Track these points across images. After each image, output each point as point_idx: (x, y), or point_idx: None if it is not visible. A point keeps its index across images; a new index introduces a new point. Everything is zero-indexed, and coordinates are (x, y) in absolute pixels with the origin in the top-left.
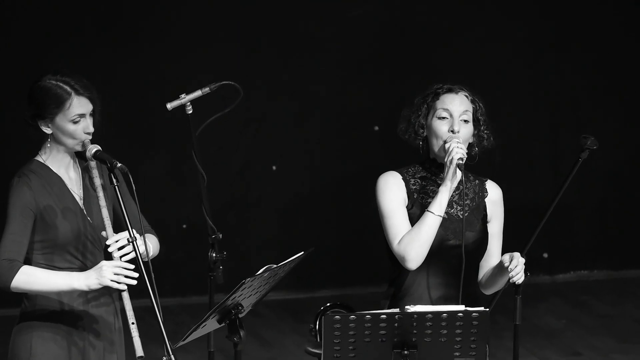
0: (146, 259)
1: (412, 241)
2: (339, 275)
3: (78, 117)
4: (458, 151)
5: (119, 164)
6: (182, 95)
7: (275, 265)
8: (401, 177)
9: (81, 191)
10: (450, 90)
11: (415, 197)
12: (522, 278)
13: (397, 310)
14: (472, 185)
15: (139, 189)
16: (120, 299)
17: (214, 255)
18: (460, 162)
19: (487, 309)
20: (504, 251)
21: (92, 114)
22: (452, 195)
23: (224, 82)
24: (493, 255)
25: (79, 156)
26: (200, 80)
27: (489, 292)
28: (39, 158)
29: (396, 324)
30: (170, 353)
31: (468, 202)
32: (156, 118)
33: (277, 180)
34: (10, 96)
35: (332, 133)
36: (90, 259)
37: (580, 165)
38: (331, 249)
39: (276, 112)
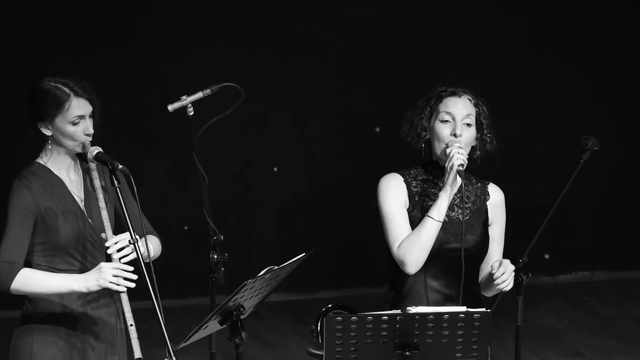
0: (147, 260)
1: (412, 246)
2: (340, 277)
3: (77, 118)
4: (459, 157)
5: (120, 166)
6: (183, 97)
7: (276, 267)
8: (403, 179)
9: (82, 193)
10: (453, 94)
11: (416, 199)
12: (510, 286)
13: (398, 311)
14: (473, 189)
15: (140, 191)
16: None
17: (215, 256)
18: (461, 168)
19: (489, 310)
20: (505, 252)
21: (92, 116)
22: (453, 198)
23: (225, 84)
24: (493, 258)
25: (80, 158)
26: (201, 81)
27: (488, 294)
28: (39, 160)
29: (398, 325)
30: (172, 355)
31: (469, 205)
32: (157, 119)
33: (278, 181)
34: (10, 96)
35: (333, 134)
36: (91, 261)
37: (581, 166)
38: (332, 250)
39: (277, 113)
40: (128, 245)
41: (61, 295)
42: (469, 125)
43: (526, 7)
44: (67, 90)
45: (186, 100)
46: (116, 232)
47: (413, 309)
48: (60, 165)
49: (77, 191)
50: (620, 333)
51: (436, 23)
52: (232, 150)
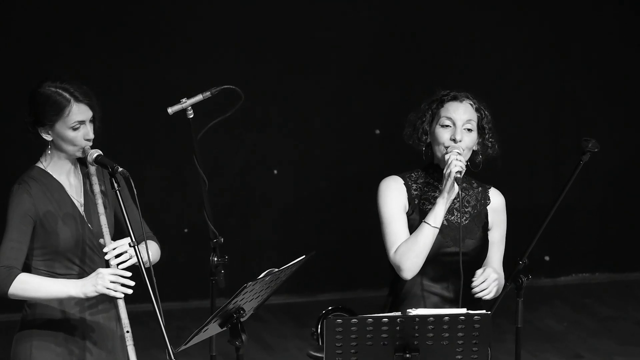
0: (147, 265)
1: (408, 251)
2: (340, 279)
3: (78, 124)
4: (457, 164)
5: (120, 169)
6: (183, 100)
7: (276, 269)
8: (403, 182)
9: (82, 197)
10: (455, 98)
11: (416, 202)
12: (491, 294)
13: (398, 313)
14: (474, 193)
15: (140, 193)
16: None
17: (215, 259)
18: (458, 175)
19: (489, 312)
20: (506, 254)
21: (92, 121)
22: (453, 202)
23: (225, 86)
24: (491, 262)
25: (81, 162)
26: (201, 84)
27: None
28: (39, 164)
29: (398, 328)
30: (173, 357)
31: (469, 209)
32: (157, 122)
33: (278, 183)
34: (10, 96)
35: (333, 136)
36: (90, 265)
37: (582, 168)
38: (332, 252)
39: (276, 115)
40: (126, 251)
41: (60, 301)
42: (469, 130)
43: (526, 8)
44: (67, 95)
45: (186, 102)
46: (116, 235)
47: (413, 311)
48: (60, 170)
49: (77, 196)
50: (621, 335)
51: (437, 26)
52: (232, 152)
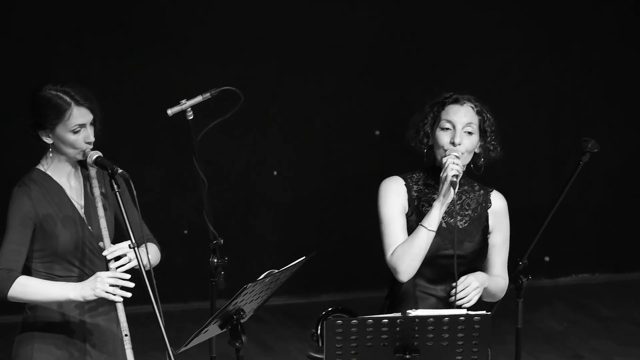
0: (147, 268)
1: (404, 254)
2: (340, 280)
3: (78, 127)
4: (453, 167)
5: (119, 170)
6: (183, 101)
7: (276, 270)
8: (404, 182)
9: (82, 200)
10: (456, 101)
11: (415, 204)
12: (472, 302)
13: (399, 314)
14: (475, 196)
15: (140, 195)
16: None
17: (215, 260)
18: (454, 179)
19: (489, 313)
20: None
21: (93, 123)
22: (453, 205)
23: (225, 87)
24: (494, 266)
25: (81, 165)
26: (201, 85)
27: (487, 300)
28: (40, 167)
29: (398, 329)
30: (173, 359)
31: (469, 212)
32: (157, 123)
33: (278, 185)
34: (11, 96)
35: (332, 137)
36: (90, 267)
37: (581, 168)
38: (332, 253)
39: (276, 116)
40: (126, 254)
41: (60, 303)
42: (469, 133)
43: (526, 9)
44: (67, 99)
45: (185, 104)
46: (117, 237)
47: (413, 312)
48: (60, 173)
49: (77, 198)
50: (621, 335)
51: (437, 26)
52: (231, 153)
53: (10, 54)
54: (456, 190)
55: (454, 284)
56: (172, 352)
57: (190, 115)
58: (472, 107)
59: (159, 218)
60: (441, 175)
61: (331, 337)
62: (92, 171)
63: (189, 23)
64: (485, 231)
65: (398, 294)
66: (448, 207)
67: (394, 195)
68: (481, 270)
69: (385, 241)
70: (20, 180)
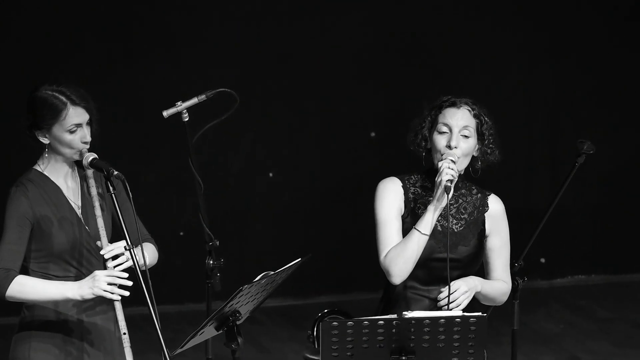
0: (143, 268)
1: (397, 257)
2: (336, 282)
3: (74, 127)
4: (448, 172)
5: (115, 172)
6: (178, 103)
7: (272, 272)
8: (401, 184)
9: (79, 200)
10: (453, 104)
11: (412, 206)
12: (461, 306)
13: (394, 316)
14: (472, 199)
15: (136, 196)
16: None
17: (211, 262)
18: (448, 184)
19: (485, 315)
20: None
21: (89, 123)
22: (449, 208)
23: (220, 89)
24: (495, 269)
25: (78, 165)
26: (198, 86)
27: (488, 304)
28: (37, 167)
29: (394, 330)
30: None
31: (466, 216)
32: (153, 125)
33: (274, 187)
34: (10, 96)
35: (328, 138)
36: (87, 267)
37: (577, 169)
38: (328, 255)
39: (272, 118)
40: (124, 253)
41: (58, 303)
42: (466, 137)
43: (523, 14)
44: (63, 99)
45: (181, 106)
46: (114, 238)
47: (409, 314)
48: (58, 173)
49: (74, 198)
50: (617, 336)
51: (434, 28)
52: (227, 155)
53: (10, 54)
54: (450, 195)
55: (442, 289)
56: (168, 353)
57: (185, 117)
58: (469, 110)
59: (155, 220)
60: (436, 179)
61: (327, 339)
62: (89, 171)
63: (187, 25)
64: (481, 235)
65: (392, 296)
66: (443, 210)
67: (390, 197)
68: (475, 274)
69: (379, 243)
70: (17, 180)
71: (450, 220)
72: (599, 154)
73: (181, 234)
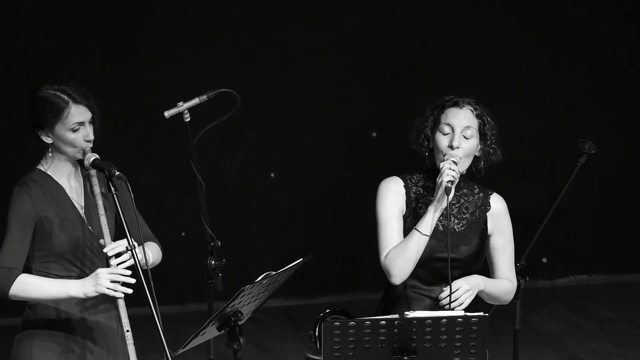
0: (146, 268)
1: (397, 257)
2: (338, 282)
3: (77, 125)
4: (449, 173)
5: (117, 172)
6: (180, 103)
7: (274, 272)
8: (403, 184)
9: (82, 200)
10: (455, 104)
11: (413, 205)
12: (463, 305)
13: (396, 316)
14: (474, 199)
15: (138, 197)
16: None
17: (212, 262)
18: (449, 185)
19: (487, 314)
20: None
21: (92, 122)
22: (450, 208)
23: (222, 90)
24: (499, 268)
25: (81, 164)
26: (199, 86)
27: (492, 303)
28: (40, 167)
29: (396, 330)
30: None
31: (467, 215)
32: (154, 125)
33: (276, 187)
34: (10, 96)
35: (330, 139)
36: (90, 267)
37: (578, 169)
38: (330, 255)
39: (273, 118)
40: (126, 252)
41: (60, 301)
42: (468, 137)
43: (522, 17)
44: (65, 97)
45: (182, 106)
46: (116, 238)
47: (411, 314)
48: (61, 172)
49: (77, 198)
50: (619, 336)
51: (434, 30)
52: (229, 156)
53: (10, 54)
54: (450, 196)
55: (443, 288)
56: (170, 354)
57: (187, 118)
58: (472, 110)
59: (156, 220)
60: (437, 180)
61: (329, 339)
62: (93, 170)
63: (188, 25)
64: (483, 234)
65: (393, 296)
66: (444, 211)
67: (392, 196)
68: (479, 274)
69: (380, 243)
70: (20, 179)
71: (452, 219)
72: (600, 153)
73: (183, 234)
